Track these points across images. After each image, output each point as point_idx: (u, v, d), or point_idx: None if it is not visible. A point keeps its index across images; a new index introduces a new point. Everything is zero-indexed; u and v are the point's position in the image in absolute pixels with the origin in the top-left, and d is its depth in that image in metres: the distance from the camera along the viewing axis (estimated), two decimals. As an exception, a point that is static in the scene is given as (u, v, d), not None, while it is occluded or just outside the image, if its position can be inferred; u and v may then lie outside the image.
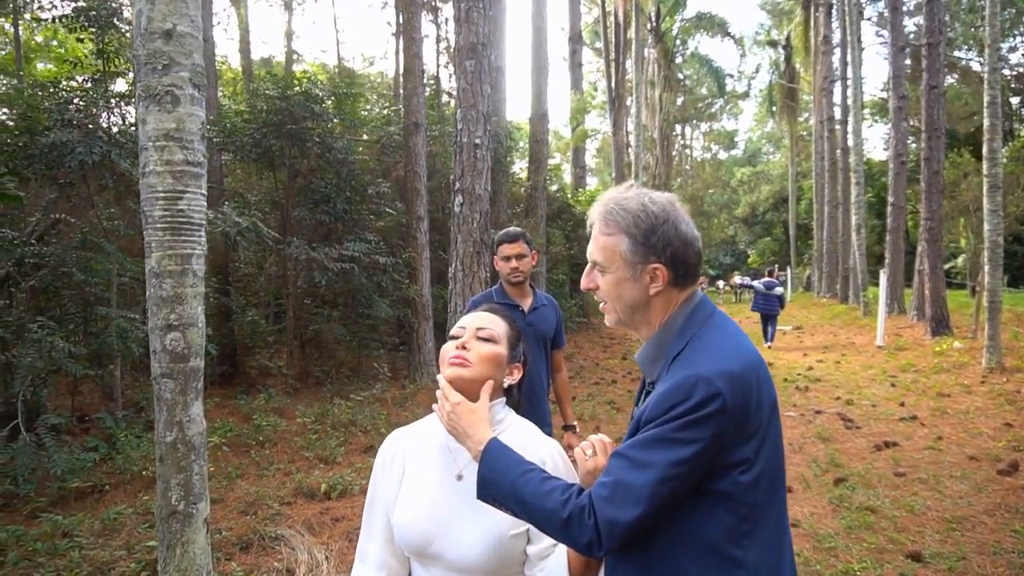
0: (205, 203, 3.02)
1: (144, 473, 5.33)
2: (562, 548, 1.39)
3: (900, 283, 17.02)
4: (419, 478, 1.50)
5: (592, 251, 1.41)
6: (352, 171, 9.28)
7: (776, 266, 36.41)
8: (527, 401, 3.04)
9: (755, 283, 15.57)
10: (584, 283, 1.44)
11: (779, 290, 15.49)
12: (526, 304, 3.41)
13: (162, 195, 2.86)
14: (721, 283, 33.00)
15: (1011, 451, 6.12)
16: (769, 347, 15.39)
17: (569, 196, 16.95)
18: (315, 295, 9.79)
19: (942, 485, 5.42)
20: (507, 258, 3.32)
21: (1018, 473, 5.55)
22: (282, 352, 10.49)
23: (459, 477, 1.48)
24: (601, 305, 1.46)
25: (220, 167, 10.00)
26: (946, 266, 20.50)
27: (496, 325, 1.57)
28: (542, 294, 3.54)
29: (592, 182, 28.28)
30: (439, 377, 1.45)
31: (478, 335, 1.53)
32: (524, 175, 15.23)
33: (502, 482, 1.29)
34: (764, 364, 1.36)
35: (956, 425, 7.25)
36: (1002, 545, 4.27)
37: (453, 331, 1.58)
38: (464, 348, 1.50)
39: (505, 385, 1.54)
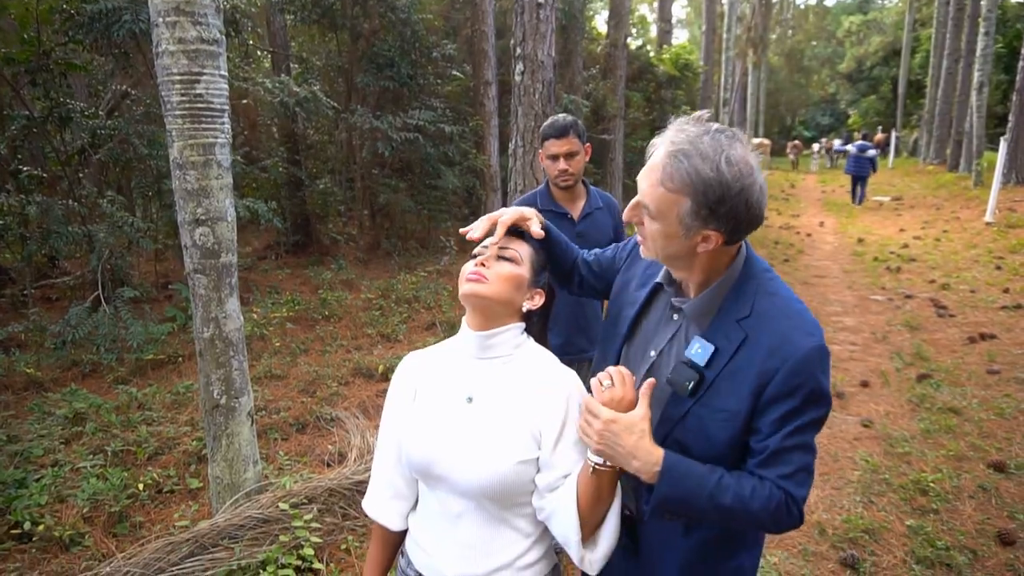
0: (226, 86, 2.78)
1: (199, 379, 5.54)
2: (572, 481, 1.33)
3: (1022, 150, 15.27)
4: (430, 400, 1.44)
5: (646, 193, 1.27)
6: (416, 32, 8.74)
7: (880, 128, 33.69)
8: (574, 322, 2.79)
9: (848, 146, 16.09)
10: (627, 215, 1.33)
11: (872, 152, 15.86)
12: (576, 210, 2.86)
13: (178, 78, 2.64)
14: (817, 145, 30.75)
15: None
16: (858, 206, 15.90)
17: (652, 54, 15.69)
18: (383, 165, 9.62)
19: (1041, 387, 4.98)
20: (554, 157, 2.74)
21: None
22: (354, 222, 10.55)
23: (469, 399, 1.41)
24: (638, 236, 1.37)
25: (284, 29, 9.63)
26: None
27: (520, 246, 1.47)
28: (598, 193, 2.95)
29: (681, 35, 26.13)
30: (584, 399, 1.32)
31: (499, 254, 1.44)
32: (604, 30, 14.11)
33: (695, 500, 1.26)
34: None
35: (1067, 317, 6.61)
36: (1103, 459, 3.90)
37: (476, 250, 1.49)
38: (483, 265, 1.42)
39: (524, 309, 1.45)
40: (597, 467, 1.28)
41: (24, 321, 5.81)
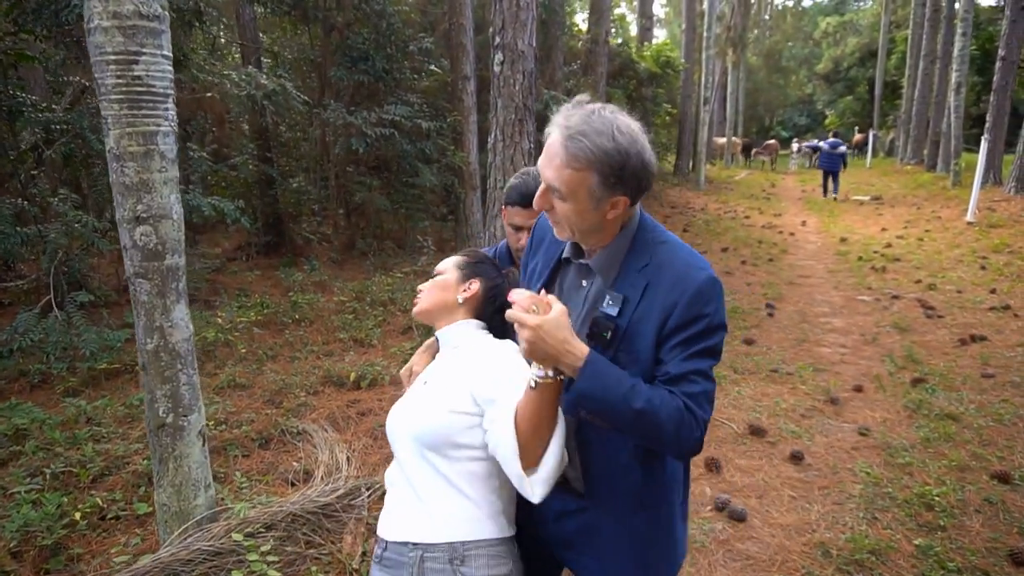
0: (170, 69, 2.48)
1: (143, 396, 5.20)
2: (511, 406, 1.41)
3: (1000, 150, 15.31)
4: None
5: (552, 178, 1.36)
6: (392, 25, 8.42)
7: (856, 128, 33.90)
8: None
9: (821, 143, 17.68)
10: (537, 202, 1.42)
11: (843, 149, 17.55)
12: None
13: (113, 58, 2.33)
14: (796, 144, 30.79)
15: (1123, 352, 5.40)
16: (835, 199, 17.10)
17: (633, 51, 15.49)
18: (358, 163, 9.29)
19: (1038, 391, 4.82)
20: (517, 227, 2.10)
21: None
22: (328, 221, 10.21)
23: (424, 383, 1.60)
24: (551, 219, 1.46)
25: (253, 21, 9.26)
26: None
27: (444, 264, 1.72)
28: None
29: (660, 34, 26.01)
30: (509, 313, 1.35)
31: (436, 276, 1.69)
32: (584, 27, 13.88)
33: (611, 398, 1.33)
34: None
35: (1056, 318, 6.49)
36: (1110, 468, 3.73)
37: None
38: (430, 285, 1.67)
39: (460, 300, 1.63)
40: (538, 380, 1.33)
41: (-29, 328, 5.43)
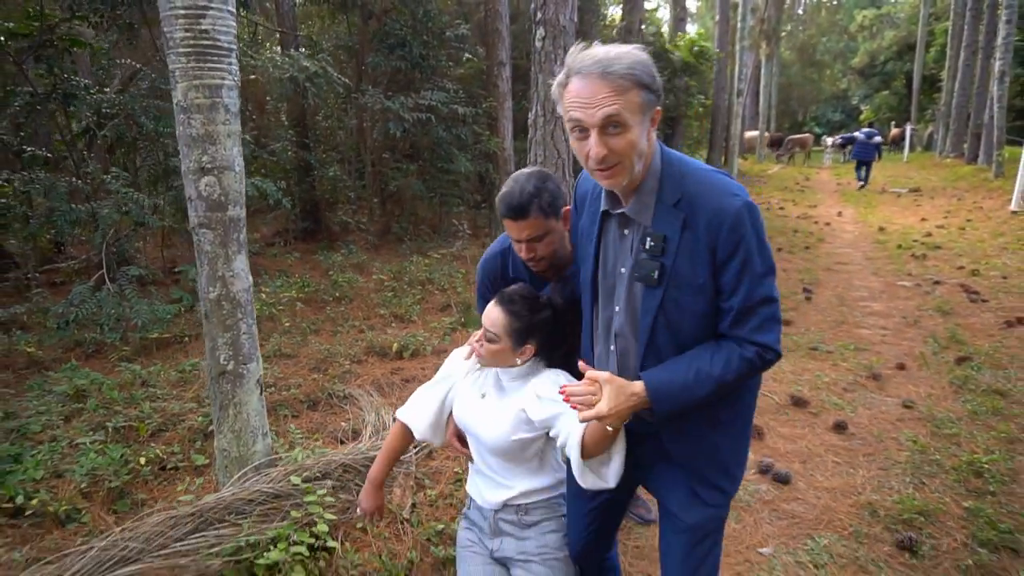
0: (234, 24, 2.57)
1: (205, 344, 5.34)
2: (576, 433, 1.67)
3: (1045, 140, 14.94)
4: (465, 389, 2.04)
5: (606, 112, 1.38)
6: (429, 12, 8.51)
7: (893, 123, 33.24)
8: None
9: (856, 133, 18.03)
10: (596, 150, 1.41)
11: (877, 139, 17.94)
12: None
13: (182, 12, 2.42)
14: (829, 140, 30.27)
15: None
16: (863, 187, 17.30)
17: (666, 41, 15.40)
18: (394, 149, 9.40)
19: (1088, 369, 4.72)
20: (517, 242, 1.91)
21: None
22: (364, 209, 10.34)
23: (483, 395, 1.99)
24: (602, 171, 1.46)
25: (292, 10, 9.42)
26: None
27: (497, 327, 1.85)
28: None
29: (692, 29, 25.79)
30: (584, 415, 1.53)
31: (485, 336, 1.88)
32: (617, 16, 13.84)
33: (686, 399, 1.50)
34: None
35: (1106, 301, 6.33)
36: None
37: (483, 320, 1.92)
38: (480, 343, 1.90)
39: (519, 363, 1.89)
40: (611, 427, 1.58)
41: (27, 303, 5.63)
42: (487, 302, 1.95)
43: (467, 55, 9.34)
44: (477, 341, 1.91)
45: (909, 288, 7.42)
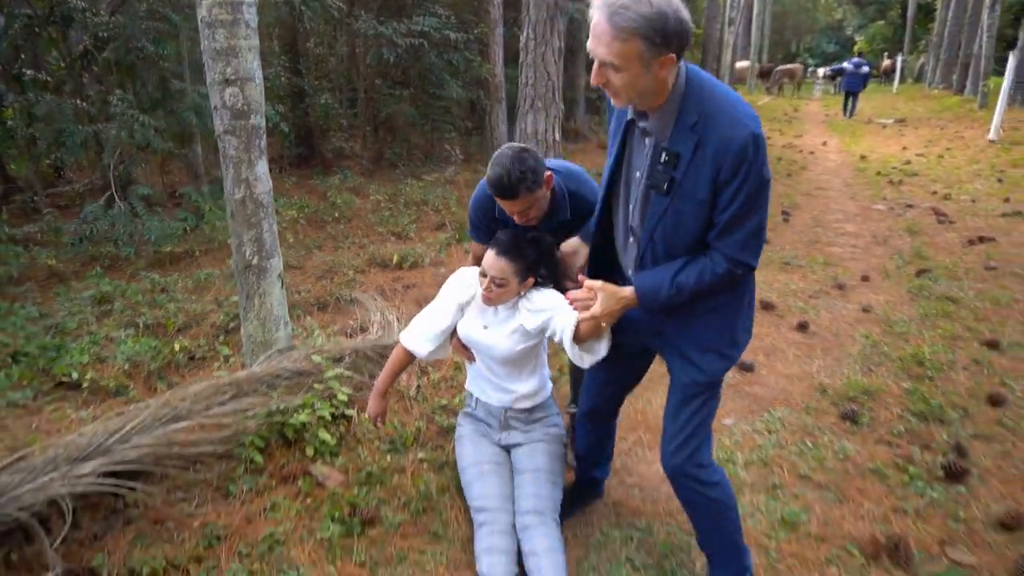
0: (250, -57, 2.79)
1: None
2: (570, 325, 2.07)
3: (1030, 70, 15.08)
4: (469, 320, 2.43)
5: (604, 54, 1.52)
6: (419, -65, 8.51)
7: (886, 54, 32.99)
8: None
9: (845, 64, 18.31)
10: (595, 80, 1.60)
11: (866, 69, 18.34)
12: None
13: (204, -68, 2.64)
14: (821, 70, 30.11)
15: (1123, 248, 5.67)
16: (850, 118, 17.72)
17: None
18: (386, 76, 9.49)
19: (1036, 279, 5.13)
20: (509, 212, 2.26)
21: (1126, 270, 5.17)
22: (357, 136, 10.48)
23: (485, 327, 2.40)
24: (608, 92, 1.64)
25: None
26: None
27: (504, 273, 2.22)
28: (560, 193, 2.35)
29: (686, -46, 25.21)
30: (582, 316, 1.95)
31: (493, 283, 2.23)
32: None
33: (668, 300, 1.78)
34: None
35: (1064, 222, 6.72)
36: (1091, 337, 4.08)
37: (481, 269, 2.27)
38: (489, 290, 2.25)
39: (522, 294, 2.31)
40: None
41: (38, 223, 5.88)
42: (479, 231, 2.52)
43: (458, -21, 9.35)
44: (485, 289, 2.24)
45: (883, 211, 7.77)
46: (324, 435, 2.79)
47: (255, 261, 3.05)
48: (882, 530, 2.44)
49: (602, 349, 2.09)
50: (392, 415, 3.15)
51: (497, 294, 2.26)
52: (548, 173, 2.20)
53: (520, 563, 2.13)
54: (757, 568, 2.25)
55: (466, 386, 2.62)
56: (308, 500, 2.57)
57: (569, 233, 2.37)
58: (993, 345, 4.02)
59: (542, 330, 2.25)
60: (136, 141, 5.95)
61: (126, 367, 3.28)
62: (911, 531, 2.46)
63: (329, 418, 2.87)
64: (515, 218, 2.25)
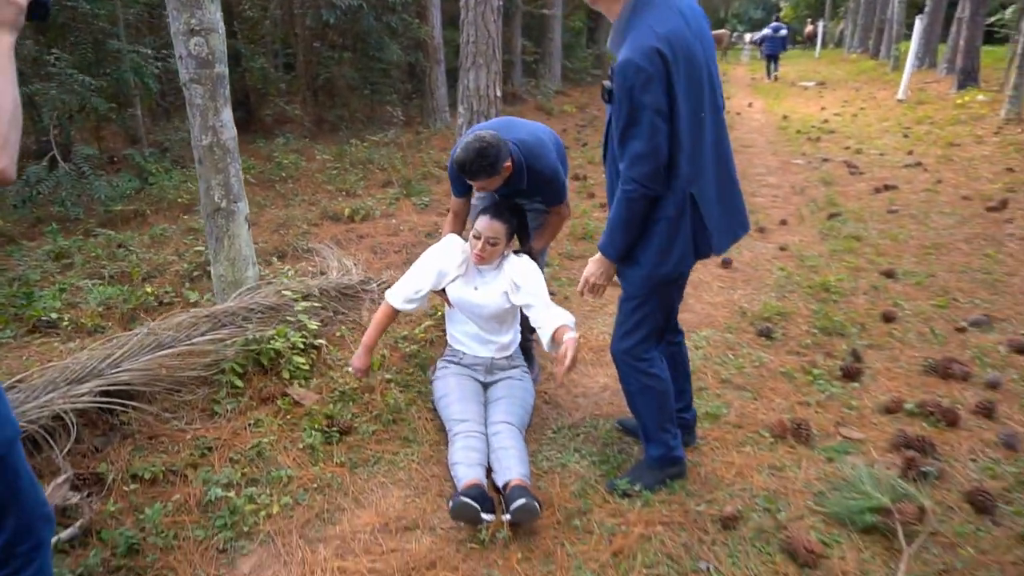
0: (209, -100, 2.95)
1: (180, 200, 5.71)
2: (549, 324, 2.62)
3: (936, 34, 16.06)
4: (460, 288, 2.83)
5: None
6: None
7: (809, 20, 34.13)
8: None
9: (764, 30, 19.42)
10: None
11: (783, 32, 19.49)
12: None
13: None
14: (748, 36, 31.04)
15: (1005, 191, 6.33)
16: (776, 78, 19.19)
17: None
18: (324, 39, 9.50)
19: (929, 220, 5.73)
20: (477, 236, 2.73)
21: (1005, 210, 5.82)
22: (295, 101, 10.45)
23: (475, 288, 2.81)
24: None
25: None
26: (991, 18, 19.13)
27: (499, 233, 2.69)
28: (519, 166, 2.73)
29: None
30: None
31: (488, 242, 2.69)
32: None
33: (620, 248, 2.18)
34: (679, 31, 1.95)
35: (959, 171, 7.40)
36: (971, 265, 4.65)
37: (474, 232, 2.71)
38: (484, 250, 2.69)
39: (507, 253, 2.82)
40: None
41: (-26, 185, 5.80)
42: (456, 188, 2.93)
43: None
44: (480, 250, 2.68)
45: (801, 165, 8.35)
46: (299, 359, 3.05)
47: (224, 204, 3.25)
48: (788, 417, 2.88)
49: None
50: (357, 346, 3.43)
51: (490, 252, 2.70)
52: (507, 164, 2.62)
53: (488, 466, 2.48)
54: (687, 450, 2.65)
55: (450, 343, 2.99)
56: (288, 416, 2.85)
57: (524, 196, 2.88)
58: (889, 274, 4.55)
59: (522, 306, 2.75)
60: (75, 103, 5.92)
61: (100, 310, 3.44)
62: (812, 418, 2.91)
63: (301, 346, 3.12)
64: (474, 186, 2.73)
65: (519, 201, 2.90)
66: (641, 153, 1.96)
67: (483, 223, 2.68)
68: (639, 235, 2.14)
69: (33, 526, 1.50)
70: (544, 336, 2.62)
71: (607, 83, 2.03)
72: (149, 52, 6.52)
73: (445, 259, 2.82)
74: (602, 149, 2.25)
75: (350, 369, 2.87)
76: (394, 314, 2.87)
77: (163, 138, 7.70)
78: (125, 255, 4.38)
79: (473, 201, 3.05)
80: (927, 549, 2.15)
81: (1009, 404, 2.99)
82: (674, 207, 2.09)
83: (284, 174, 6.70)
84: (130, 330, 3.35)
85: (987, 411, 2.90)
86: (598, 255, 2.25)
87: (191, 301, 3.75)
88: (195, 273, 4.11)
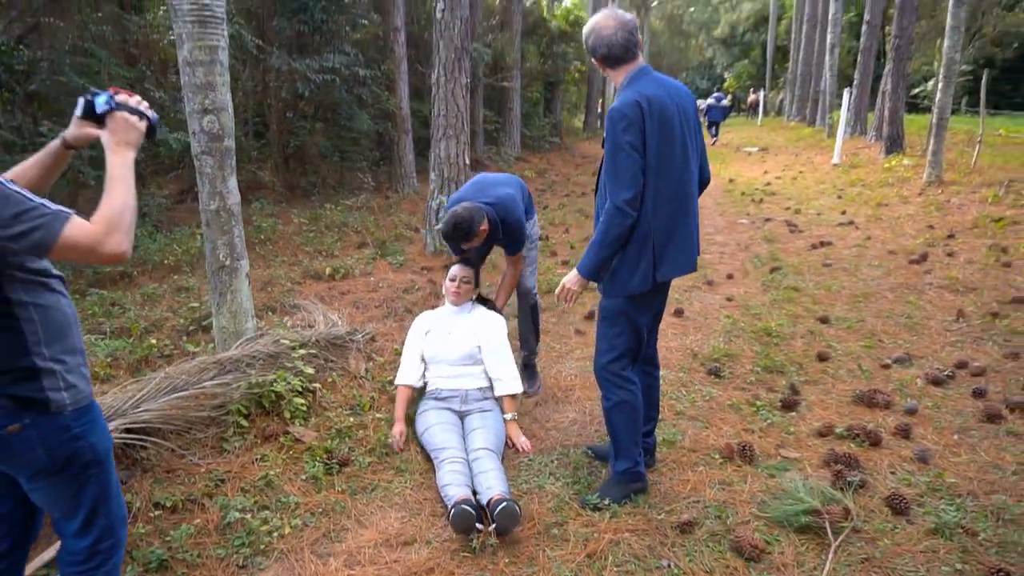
0: (224, 0, 3.40)
1: (166, 262, 5.99)
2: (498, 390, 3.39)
3: (865, 104, 17.39)
4: (436, 336, 3.44)
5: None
6: (327, -22, 9.14)
7: (752, 90, 36.25)
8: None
9: (709, 99, 21.33)
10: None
11: (725, 102, 21.75)
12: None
13: (188, -10, 3.23)
14: (700, 101, 32.86)
15: (925, 246, 7.02)
16: (714, 143, 20.48)
17: (545, 10, 16.54)
18: (296, 109, 9.98)
19: (860, 272, 6.34)
20: (452, 279, 3.53)
21: (925, 262, 6.47)
22: (265, 168, 10.84)
23: (449, 333, 3.42)
24: None
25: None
26: (915, 90, 20.81)
27: (470, 276, 3.53)
28: (495, 224, 3.47)
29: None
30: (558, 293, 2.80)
31: (462, 281, 3.48)
32: (499, -13, 14.79)
33: (596, 267, 2.59)
34: (658, 96, 2.48)
35: (886, 228, 8.13)
36: (895, 311, 5.21)
37: (449, 275, 3.53)
38: (457, 288, 3.48)
39: (473, 294, 3.58)
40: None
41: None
42: (455, 250, 3.59)
43: (363, 20, 10.01)
44: (456, 289, 3.45)
45: (746, 224, 9.02)
46: (298, 400, 3.36)
47: (228, 262, 3.59)
48: (735, 442, 3.28)
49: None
50: (348, 390, 3.76)
51: (464, 290, 3.48)
52: (483, 228, 3.35)
53: (472, 488, 2.81)
54: (649, 471, 3.02)
55: (428, 385, 3.45)
56: (291, 451, 3.15)
57: (502, 245, 3.63)
58: (824, 320, 5.07)
59: (486, 365, 3.40)
60: (68, 171, 6.19)
61: (108, 360, 3.70)
62: (756, 442, 3.32)
63: (300, 389, 3.44)
64: (451, 284, 3.56)
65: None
66: (623, 180, 2.43)
67: (455, 269, 3.51)
68: (611, 258, 2.57)
69: (115, 526, 1.80)
70: (496, 390, 3.37)
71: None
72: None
73: (420, 324, 3.53)
74: (595, 184, 2.77)
75: (391, 441, 3.27)
76: (411, 391, 3.45)
77: (141, 203, 7.97)
78: (121, 312, 4.64)
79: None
80: (852, 543, 2.54)
81: (924, 427, 3.45)
82: (638, 236, 2.54)
83: (263, 236, 7.03)
84: (136, 379, 3.63)
85: (905, 433, 3.35)
86: (574, 272, 2.66)
87: (191, 353, 4.03)
88: (191, 328, 4.39)
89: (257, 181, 9.85)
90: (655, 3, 38.66)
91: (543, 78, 15.98)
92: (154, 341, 4.07)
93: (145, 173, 9.55)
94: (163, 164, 9.22)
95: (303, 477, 2.97)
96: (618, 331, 2.71)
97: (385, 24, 9.90)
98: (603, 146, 2.59)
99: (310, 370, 3.57)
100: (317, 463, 3.02)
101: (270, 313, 4.74)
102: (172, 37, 8.58)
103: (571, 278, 2.68)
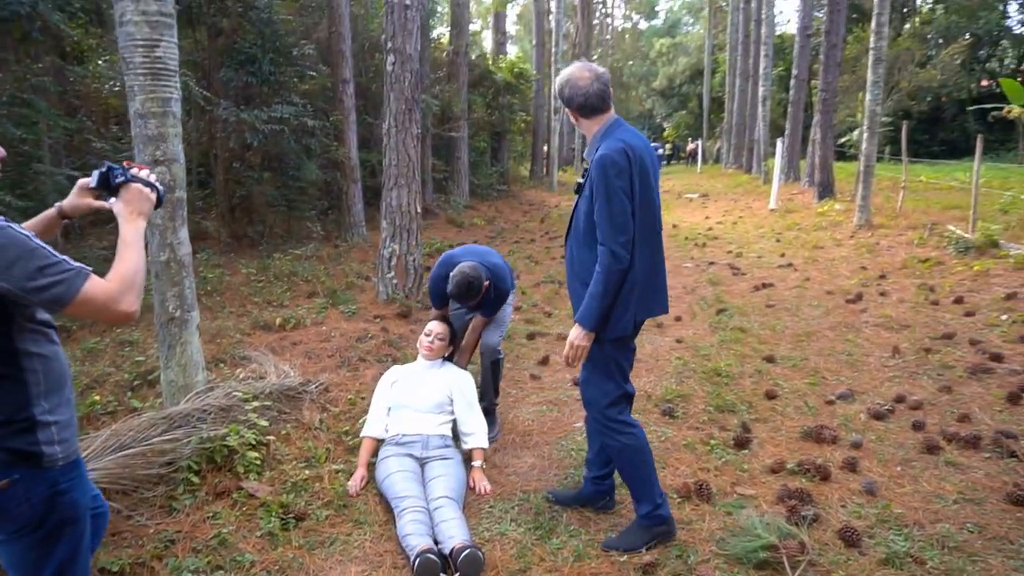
0: (177, 53, 3.41)
1: (153, 299, 5.79)
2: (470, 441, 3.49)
3: (796, 152, 18.25)
4: (405, 386, 3.54)
5: None
6: (276, 31, 9.22)
7: (690, 139, 37.72)
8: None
9: None
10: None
11: (661, 151, 21.85)
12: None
13: (141, 43, 3.24)
14: None
15: (860, 286, 7.35)
16: None
17: (490, 63, 16.98)
18: (243, 159, 9.91)
19: (801, 312, 6.58)
20: (428, 333, 3.75)
21: (861, 301, 6.76)
22: (210, 218, 10.67)
23: (420, 384, 3.53)
24: None
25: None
26: (841, 140, 21.93)
27: (445, 333, 3.71)
28: (491, 285, 3.75)
29: (512, 50, 27.91)
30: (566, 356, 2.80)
31: (438, 338, 3.66)
32: (445, 39, 15.14)
33: (595, 317, 2.58)
34: (638, 146, 2.59)
35: (823, 270, 8.49)
36: (835, 349, 5.42)
37: (426, 330, 3.71)
38: (432, 343, 3.64)
39: (446, 354, 3.77)
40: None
41: None
42: (437, 299, 3.92)
43: (312, 72, 10.09)
44: (430, 344, 3.62)
45: (691, 268, 9.29)
46: (252, 454, 3.28)
47: (177, 314, 3.52)
48: (692, 481, 3.34)
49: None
50: (303, 441, 3.68)
51: (438, 347, 3.65)
52: (486, 283, 3.63)
53: (434, 537, 2.78)
54: (606, 513, 3.04)
55: (389, 431, 3.45)
56: (244, 508, 3.05)
57: (478, 308, 3.85)
58: (770, 359, 5.23)
59: (457, 422, 3.51)
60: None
61: (49, 418, 3.54)
62: (712, 480, 3.38)
63: (253, 443, 3.36)
64: (462, 305, 3.84)
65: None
66: (617, 224, 2.49)
67: (433, 325, 3.71)
68: (612, 305, 2.59)
69: None
70: (467, 443, 3.47)
71: (579, 179, 2.72)
72: (76, 174, 6.72)
73: (390, 376, 3.66)
74: (567, 231, 2.84)
75: (350, 485, 3.26)
76: (376, 443, 3.44)
77: (78, 255, 7.73)
78: (60, 368, 4.45)
79: (451, 311, 4.03)
80: (807, 575, 2.60)
81: (869, 460, 3.57)
82: (628, 279, 2.60)
83: (210, 287, 6.89)
84: (80, 437, 3.48)
85: (852, 466, 3.47)
86: (576, 326, 2.64)
87: (136, 408, 3.89)
88: (136, 383, 4.25)
89: (202, 231, 9.68)
90: (595, 57, 40.08)
91: (490, 128, 16.30)
92: (97, 397, 3.93)
93: (83, 225, 9.32)
94: (102, 215, 9.00)
95: (258, 534, 2.88)
96: (608, 376, 2.76)
97: (334, 76, 10.00)
98: (576, 192, 2.70)
99: (264, 422, 3.49)
100: (272, 518, 2.94)
101: (220, 365, 4.63)
102: (115, 88, 8.55)
103: (577, 335, 2.64)
